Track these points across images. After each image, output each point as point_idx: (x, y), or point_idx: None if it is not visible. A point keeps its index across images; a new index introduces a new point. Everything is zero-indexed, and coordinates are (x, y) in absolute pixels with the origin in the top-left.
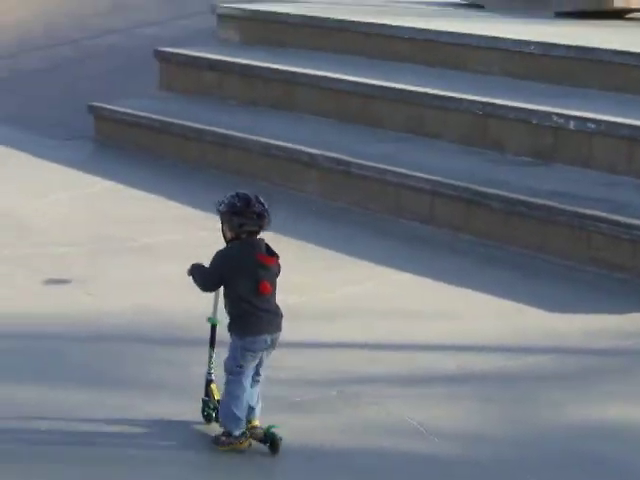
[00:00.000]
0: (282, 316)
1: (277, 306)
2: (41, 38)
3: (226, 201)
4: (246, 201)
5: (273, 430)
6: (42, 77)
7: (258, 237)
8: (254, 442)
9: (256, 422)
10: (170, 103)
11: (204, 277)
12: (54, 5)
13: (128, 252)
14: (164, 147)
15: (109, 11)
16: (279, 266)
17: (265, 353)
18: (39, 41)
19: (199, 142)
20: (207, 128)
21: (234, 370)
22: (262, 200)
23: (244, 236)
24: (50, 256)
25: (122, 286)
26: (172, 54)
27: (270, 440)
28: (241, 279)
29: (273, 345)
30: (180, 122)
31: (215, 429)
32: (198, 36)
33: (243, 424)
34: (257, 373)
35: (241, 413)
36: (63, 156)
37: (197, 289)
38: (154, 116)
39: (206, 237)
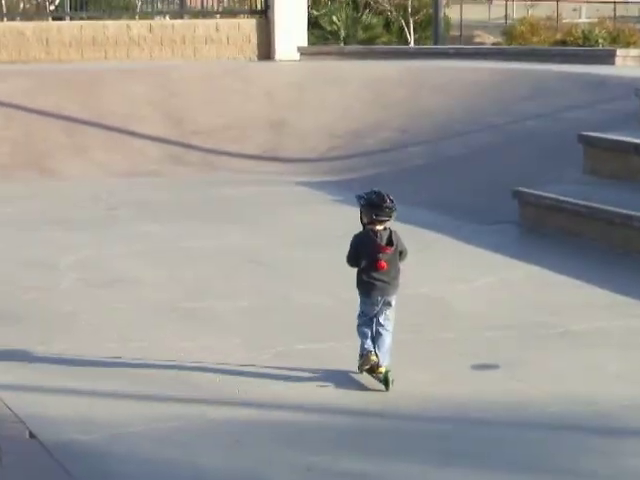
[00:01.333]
0: (397, 286)
1: (394, 277)
2: (461, 124)
3: (366, 196)
4: (381, 197)
5: (389, 376)
6: (462, 163)
7: (386, 227)
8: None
9: (380, 368)
10: (595, 188)
11: (348, 257)
12: (475, 92)
13: (556, 338)
14: (589, 233)
15: (530, 96)
16: (396, 251)
17: (381, 309)
18: (459, 127)
19: (625, 228)
20: (634, 214)
21: (360, 316)
22: (392, 198)
23: (377, 225)
24: (477, 340)
25: (552, 373)
26: (596, 138)
27: (386, 381)
28: (363, 254)
29: (385, 303)
30: (605, 207)
31: None
32: (622, 120)
33: (366, 349)
34: (379, 323)
35: (364, 340)
36: (487, 241)
37: None
38: (579, 201)
39: (637, 325)
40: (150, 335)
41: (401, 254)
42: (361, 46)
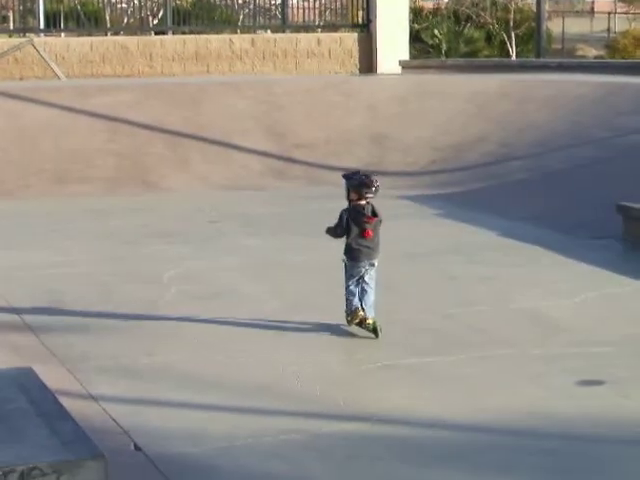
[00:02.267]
0: (379, 250)
1: (377, 243)
2: (565, 138)
3: (355, 178)
4: (370, 179)
5: (377, 326)
6: (566, 177)
7: (369, 202)
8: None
9: (368, 320)
10: None
11: (336, 229)
12: (578, 105)
13: None
14: None
15: (634, 110)
16: (380, 221)
17: (366, 270)
18: (563, 141)
19: None
20: None
21: (348, 279)
22: (376, 177)
23: (362, 200)
24: (583, 356)
25: None
26: None
27: (375, 330)
28: (353, 226)
29: (370, 265)
30: None
31: None
32: None
33: (354, 305)
34: (365, 282)
35: (352, 298)
36: (591, 256)
37: None
38: None
39: None
40: (252, 348)
41: (380, 222)
42: (463, 59)
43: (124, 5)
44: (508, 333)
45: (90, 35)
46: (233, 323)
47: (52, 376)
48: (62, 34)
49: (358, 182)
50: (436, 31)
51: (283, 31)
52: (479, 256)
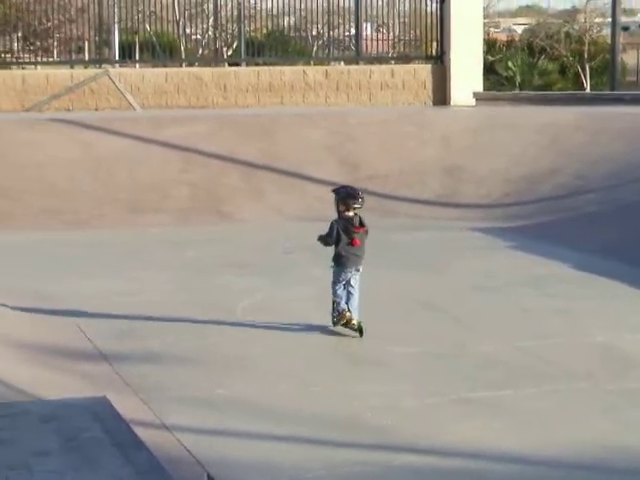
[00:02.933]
0: (364, 257)
1: (364, 251)
2: (639, 170)
3: (342, 191)
4: (356, 191)
5: (362, 326)
6: (638, 209)
7: (356, 213)
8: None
9: (353, 321)
10: None
11: (326, 238)
12: None
13: None
14: None
15: None
16: (367, 231)
17: (353, 275)
18: (637, 173)
19: None
20: None
21: (335, 283)
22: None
23: (350, 211)
24: None
25: None
26: None
27: (360, 329)
28: (343, 236)
29: (356, 271)
30: None
31: None
32: None
33: (341, 308)
34: (351, 286)
35: (339, 301)
36: None
37: None
38: None
39: None
40: (326, 379)
41: (366, 232)
42: (536, 92)
43: (198, 36)
44: (581, 366)
45: (165, 66)
46: (307, 354)
47: (126, 405)
48: (137, 65)
49: (345, 194)
50: (510, 63)
51: (357, 63)
52: (552, 288)
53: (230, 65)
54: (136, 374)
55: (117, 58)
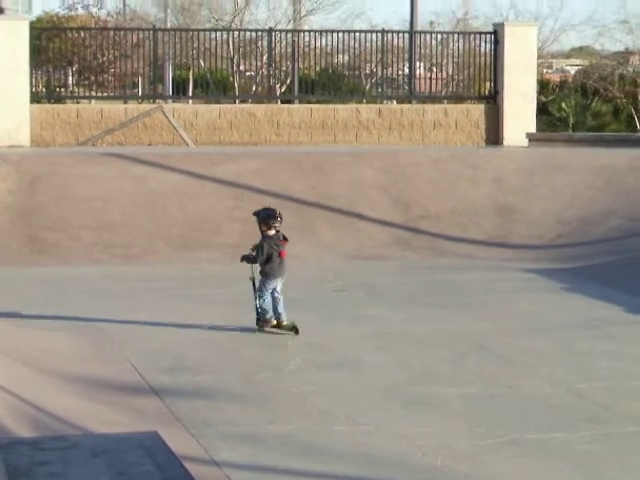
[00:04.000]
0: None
1: (285, 262)
2: None
3: (262, 212)
4: (274, 212)
5: (295, 324)
6: None
7: (278, 230)
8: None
9: (283, 321)
10: None
11: (258, 256)
12: None
13: None
14: None
15: None
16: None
17: (278, 283)
18: None
19: None
20: None
21: (263, 292)
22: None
23: (272, 230)
24: None
25: None
26: None
27: (294, 328)
28: (273, 251)
29: (282, 279)
30: None
31: None
32: None
33: (268, 316)
34: (277, 292)
35: (267, 308)
36: None
37: None
38: None
39: None
40: (377, 419)
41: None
42: (590, 133)
43: (252, 73)
44: (633, 410)
45: (218, 102)
46: (357, 393)
47: (176, 440)
48: (190, 101)
49: (266, 216)
50: (563, 104)
51: (410, 101)
52: (605, 331)
53: (283, 102)
54: (186, 409)
55: (170, 94)
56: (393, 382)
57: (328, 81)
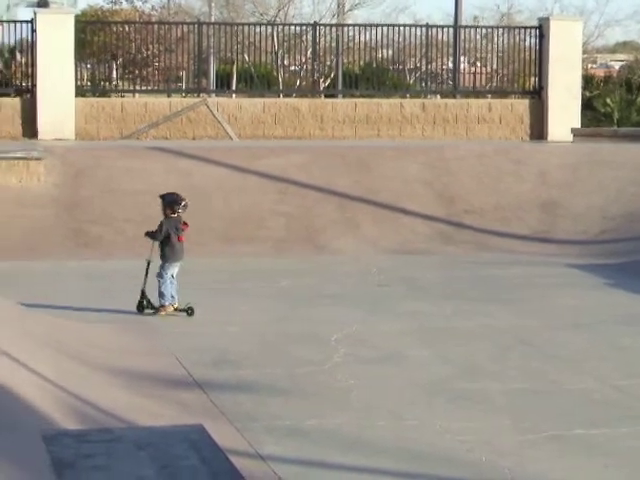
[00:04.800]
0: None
1: (183, 246)
2: None
3: (168, 196)
4: (179, 197)
5: (189, 305)
6: None
7: (179, 215)
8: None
9: (179, 306)
10: None
11: (156, 235)
12: None
13: None
14: None
15: None
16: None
17: (176, 268)
18: None
19: None
20: None
21: (164, 277)
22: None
23: (175, 214)
24: None
25: None
26: None
27: (189, 309)
28: (172, 233)
29: (180, 264)
30: None
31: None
32: None
33: (167, 302)
34: (174, 277)
35: (166, 293)
36: None
37: None
38: None
39: None
40: (420, 414)
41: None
42: (635, 128)
43: (296, 68)
44: None
45: (262, 96)
46: (401, 387)
47: (221, 434)
48: (233, 95)
49: (171, 200)
50: (608, 99)
51: (454, 96)
52: None
53: (327, 97)
54: (231, 403)
55: (214, 88)
56: (437, 377)
57: (372, 75)
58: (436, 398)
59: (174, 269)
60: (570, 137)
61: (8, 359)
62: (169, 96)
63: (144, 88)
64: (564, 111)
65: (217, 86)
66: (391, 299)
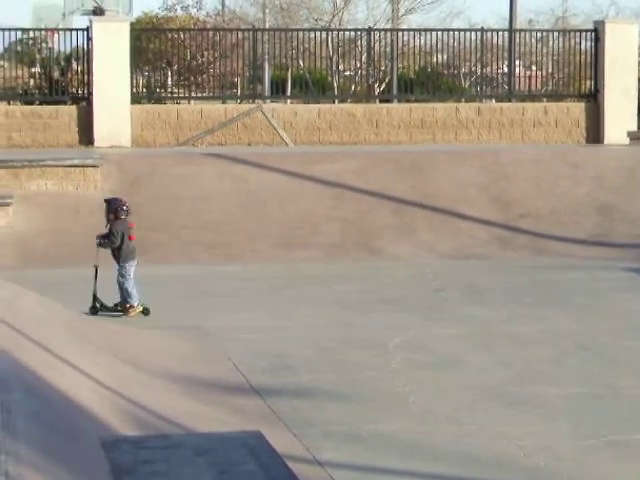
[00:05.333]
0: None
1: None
2: None
3: (113, 202)
4: (122, 202)
5: (145, 305)
6: None
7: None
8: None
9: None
10: None
11: (114, 239)
12: None
13: None
14: None
15: None
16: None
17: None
18: None
19: None
20: None
21: (128, 278)
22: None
23: (121, 217)
24: None
25: None
26: None
27: (145, 309)
28: (125, 234)
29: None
30: None
31: None
32: None
33: (136, 303)
34: (133, 277)
35: (134, 293)
36: None
37: None
38: None
39: None
40: (479, 419)
41: None
42: None
43: (350, 73)
44: None
45: (317, 102)
46: (458, 392)
47: (279, 440)
48: (288, 101)
49: (116, 206)
50: None
51: (509, 100)
52: None
53: (382, 102)
54: (288, 409)
55: (269, 94)
56: (495, 382)
57: (427, 80)
58: (494, 403)
59: (132, 268)
60: (626, 140)
61: (67, 366)
62: (224, 102)
63: (199, 95)
64: (620, 114)
65: (272, 92)
66: (448, 304)
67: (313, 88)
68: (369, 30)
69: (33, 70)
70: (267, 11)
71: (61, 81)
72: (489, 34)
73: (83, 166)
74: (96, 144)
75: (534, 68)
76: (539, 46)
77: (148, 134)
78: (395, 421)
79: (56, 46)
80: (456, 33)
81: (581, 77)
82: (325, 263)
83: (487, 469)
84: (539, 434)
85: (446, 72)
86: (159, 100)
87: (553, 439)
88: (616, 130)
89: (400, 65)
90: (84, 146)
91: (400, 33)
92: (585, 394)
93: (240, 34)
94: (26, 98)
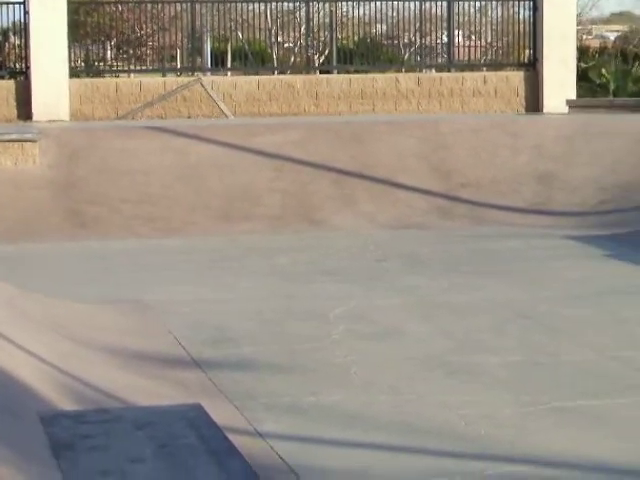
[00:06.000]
0: None
1: None
2: None
3: None
4: None
5: None
6: None
7: None
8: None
9: None
10: None
11: None
12: None
13: None
14: None
15: None
16: None
17: None
18: None
19: None
20: None
21: None
22: None
23: None
24: None
25: None
26: None
27: None
28: None
29: None
30: None
31: None
32: None
33: None
34: None
35: None
36: None
37: None
38: None
39: None
40: (420, 388)
41: None
42: (631, 99)
43: (290, 44)
44: None
45: (257, 74)
46: (400, 363)
47: (219, 412)
48: (228, 73)
49: None
50: (603, 70)
51: (449, 70)
52: None
53: (322, 73)
54: (229, 381)
55: (209, 66)
56: (435, 351)
57: (366, 51)
58: (435, 372)
59: None
60: (565, 109)
61: (4, 341)
62: (164, 75)
63: (138, 68)
64: (559, 83)
65: (212, 65)
66: (389, 274)
67: (253, 60)
68: (308, 1)
69: None
70: None
71: None
72: (428, 4)
73: (21, 141)
74: (34, 118)
75: (473, 38)
76: (478, 16)
77: (87, 108)
78: (336, 392)
79: None
80: (395, 3)
81: (520, 46)
82: (266, 235)
83: (429, 438)
84: (480, 403)
85: (386, 43)
86: (98, 74)
87: (494, 407)
88: (555, 99)
89: (339, 36)
90: (22, 121)
91: (339, 4)
92: (526, 362)
93: (179, 6)
94: None
